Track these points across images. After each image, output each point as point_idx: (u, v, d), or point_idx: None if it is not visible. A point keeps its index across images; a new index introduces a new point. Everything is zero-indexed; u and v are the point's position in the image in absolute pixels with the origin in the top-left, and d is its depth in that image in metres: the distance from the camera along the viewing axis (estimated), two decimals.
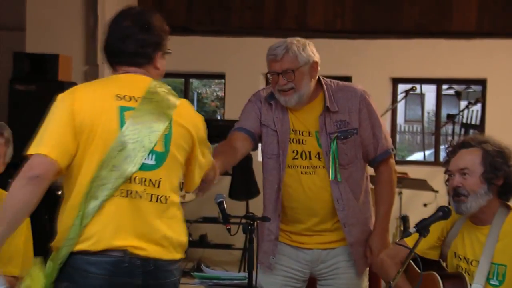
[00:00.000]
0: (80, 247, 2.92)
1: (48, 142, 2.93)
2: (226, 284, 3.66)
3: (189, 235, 8.84)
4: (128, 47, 3.09)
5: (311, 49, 3.97)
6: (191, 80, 10.42)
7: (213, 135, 8.93)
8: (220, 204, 3.77)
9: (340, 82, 4.11)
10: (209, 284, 3.67)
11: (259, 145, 4.16)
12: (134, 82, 3.09)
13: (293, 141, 4.00)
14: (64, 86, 8.33)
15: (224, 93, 9.85)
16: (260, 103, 4.14)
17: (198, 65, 9.73)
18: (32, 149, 2.93)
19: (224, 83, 9.82)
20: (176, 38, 10.25)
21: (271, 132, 4.05)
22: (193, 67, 9.79)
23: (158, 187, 3.01)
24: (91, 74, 9.21)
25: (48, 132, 2.95)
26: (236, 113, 9.44)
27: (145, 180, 2.99)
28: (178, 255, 3.09)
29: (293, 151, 4.00)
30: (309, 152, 3.98)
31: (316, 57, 3.97)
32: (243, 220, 3.62)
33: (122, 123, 2.98)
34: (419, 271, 3.66)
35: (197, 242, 8.90)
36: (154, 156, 3.01)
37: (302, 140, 4.00)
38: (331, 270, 4.05)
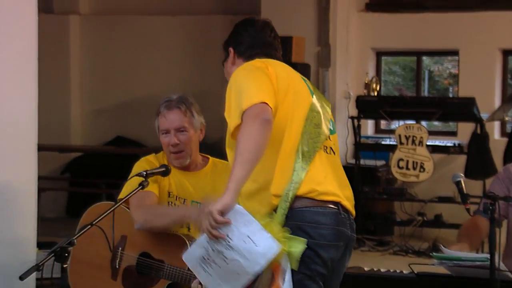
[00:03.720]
0: (302, 190, 3.01)
1: (261, 93, 2.98)
2: (467, 266, 3.56)
3: (424, 214, 8.83)
4: (275, 41, 3.39)
5: None
6: (423, 57, 10.22)
7: (446, 113, 8.80)
8: (458, 183, 3.67)
9: None
10: (449, 265, 3.59)
11: None
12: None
13: None
14: (297, 67, 8.47)
15: (458, 70, 9.60)
16: (509, 180, 3.98)
17: (430, 42, 9.54)
18: (249, 101, 2.94)
19: (458, 60, 9.57)
20: (408, 15, 10.21)
21: None
22: (425, 44, 9.63)
23: (322, 132, 3.18)
24: (323, 55, 9.31)
25: (256, 87, 3.01)
26: (471, 90, 9.22)
27: (317, 124, 3.16)
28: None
29: None
30: None
31: None
32: (484, 200, 3.52)
33: (309, 89, 3.22)
34: None
35: (432, 222, 8.75)
36: (331, 123, 3.25)
37: None
38: None
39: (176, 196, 3.85)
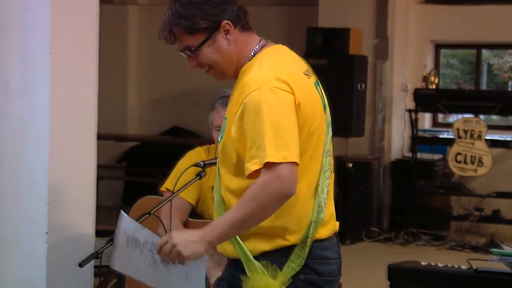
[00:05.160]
0: (315, 237, 2.74)
1: (293, 146, 2.59)
2: None
3: (481, 210, 8.72)
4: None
5: None
6: (482, 51, 10.07)
7: (506, 107, 8.67)
8: None
9: None
10: (509, 262, 3.54)
11: None
12: (293, 55, 2.86)
13: None
14: (354, 59, 8.44)
15: None
16: None
17: (491, 35, 9.40)
18: (280, 155, 2.55)
19: None
20: (468, 8, 10.06)
21: None
22: (485, 37, 9.49)
23: (330, 156, 2.84)
24: (381, 47, 9.24)
25: (288, 133, 2.59)
26: None
27: (327, 151, 2.81)
28: None
29: None
30: None
31: None
32: None
33: (323, 103, 2.80)
34: None
35: (489, 217, 8.64)
36: (327, 126, 2.84)
37: None
38: None
39: None
